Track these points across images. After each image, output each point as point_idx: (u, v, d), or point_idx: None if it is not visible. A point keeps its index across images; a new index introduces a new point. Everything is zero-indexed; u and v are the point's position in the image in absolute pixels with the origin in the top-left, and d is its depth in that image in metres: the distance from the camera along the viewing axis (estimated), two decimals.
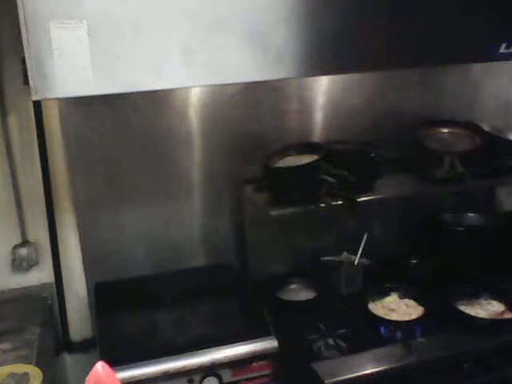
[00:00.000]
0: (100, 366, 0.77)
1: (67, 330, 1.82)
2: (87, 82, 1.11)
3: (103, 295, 1.70)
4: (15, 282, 1.77)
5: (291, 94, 1.80)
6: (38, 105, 1.57)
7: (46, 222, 1.69)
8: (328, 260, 1.86)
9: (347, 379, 1.43)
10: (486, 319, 1.64)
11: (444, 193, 1.86)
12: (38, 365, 1.45)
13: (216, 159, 1.79)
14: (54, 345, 1.75)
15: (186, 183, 1.79)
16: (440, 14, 1.33)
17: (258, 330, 1.47)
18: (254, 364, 1.42)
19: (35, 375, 1.41)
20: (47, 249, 1.74)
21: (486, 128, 1.84)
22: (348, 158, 1.68)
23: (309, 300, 1.78)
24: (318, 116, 1.86)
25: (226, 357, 1.40)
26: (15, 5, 1.03)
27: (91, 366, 0.77)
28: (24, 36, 1.05)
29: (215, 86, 1.65)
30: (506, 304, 1.71)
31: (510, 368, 1.55)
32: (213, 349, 1.40)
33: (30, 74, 1.07)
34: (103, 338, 1.52)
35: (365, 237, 1.82)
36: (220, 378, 1.39)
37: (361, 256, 1.81)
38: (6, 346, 1.54)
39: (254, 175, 1.73)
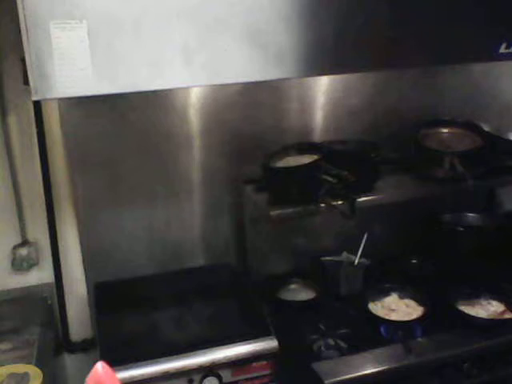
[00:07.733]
0: (100, 366, 0.77)
1: (67, 330, 1.82)
2: (87, 82, 1.10)
3: (103, 295, 1.69)
4: (15, 282, 1.77)
5: (291, 93, 1.80)
6: (37, 105, 1.57)
7: (45, 221, 1.69)
8: (328, 260, 1.86)
9: (347, 379, 1.43)
10: (486, 319, 1.64)
11: (444, 193, 1.86)
12: (37, 365, 1.44)
13: (216, 159, 1.78)
14: (54, 345, 1.75)
15: (186, 183, 1.79)
16: (440, 14, 1.33)
17: (258, 330, 1.47)
18: (254, 364, 1.42)
19: (35, 375, 1.41)
20: (47, 249, 1.74)
21: (485, 128, 1.84)
22: (348, 157, 1.68)
23: (309, 300, 1.78)
24: (318, 116, 1.85)
25: (225, 357, 1.39)
26: (15, 4, 1.03)
27: (91, 366, 0.77)
28: (24, 36, 1.04)
29: (215, 85, 1.65)
30: (506, 304, 1.70)
31: (510, 368, 1.55)
32: (213, 349, 1.40)
33: (29, 74, 1.07)
34: (103, 338, 1.51)
35: (365, 237, 1.81)
36: (220, 378, 1.39)
37: (361, 256, 1.81)
38: (5, 345, 1.54)
39: (254, 175, 1.73)
